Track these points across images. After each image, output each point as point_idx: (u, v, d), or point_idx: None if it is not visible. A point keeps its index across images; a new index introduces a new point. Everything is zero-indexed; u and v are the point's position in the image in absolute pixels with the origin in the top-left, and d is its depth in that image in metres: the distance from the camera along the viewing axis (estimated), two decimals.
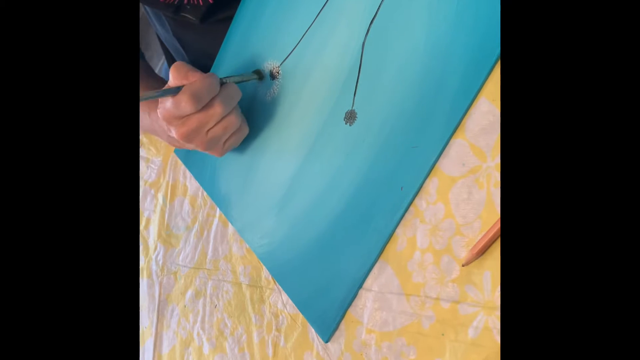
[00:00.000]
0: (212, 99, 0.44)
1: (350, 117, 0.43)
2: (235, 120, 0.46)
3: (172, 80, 0.45)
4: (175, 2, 0.61)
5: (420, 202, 0.39)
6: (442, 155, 0.38)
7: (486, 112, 0.36)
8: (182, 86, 0.43)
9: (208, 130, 0.45)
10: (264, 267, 0.50)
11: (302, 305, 0.45)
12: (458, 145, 0.37)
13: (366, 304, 0.41)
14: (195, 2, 0.62)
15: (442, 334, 0.36)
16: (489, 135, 0.35)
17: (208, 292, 0.56)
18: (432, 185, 0.38)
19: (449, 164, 0.37)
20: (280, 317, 0.48)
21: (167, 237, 0.63)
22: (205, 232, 0.58)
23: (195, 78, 0.43)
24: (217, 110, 0.44)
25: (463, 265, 0.35)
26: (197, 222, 0.59)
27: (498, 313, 0.33)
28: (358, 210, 0.42)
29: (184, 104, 0.42)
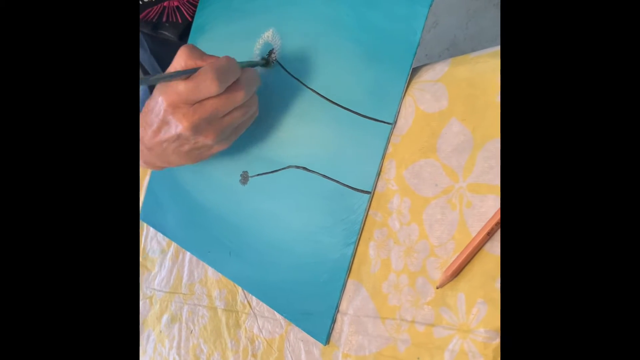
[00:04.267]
0: (235, 83, 0.39)
1: None
2: (254, 105, 0.42)
3: (184, 62, 0.39)
4: (154, 20, 0.61)
5: (394, 223, 0.38)
6: (415, 175, 0.37)
7: (457, 133, 0.36)
8: (199, 67, 0.38)
9: (223, 117, 0.40)
10: (239, 291, 0.49)
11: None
12: (430, 166, 0.37)
13: (342, 327, 0.40)
14: (174, 20, 0.62)
15: (418, 358, 0.35)
16: (460, 155, 0.35)
17: (184, 316, 0.55)
18: (405, 205, 0.38)
19: (421, 185, 0.37)
20: (256, 342, 0.47)
21: (143, 260, 0.62)
22: (181, 256, 0.56)
23: (213, 59, 0.39)
24: (239, 95, 0.39)
25: (437, 288, 0.35)
26: (172, 245, 0.58)
27: (473, 336, 0.33)
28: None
29: (209, 82, 0.36)
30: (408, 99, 0.39)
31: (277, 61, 0.47)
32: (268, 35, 0.48)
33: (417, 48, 0.38)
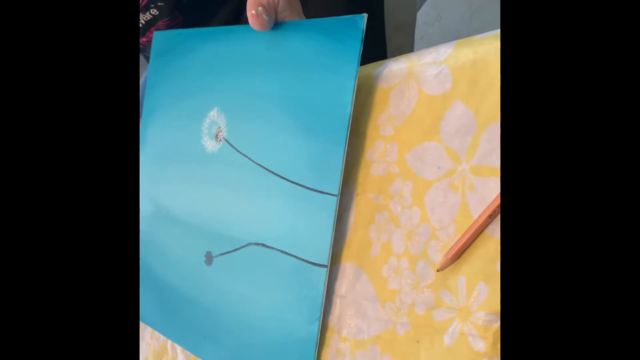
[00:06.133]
0: None
1: None
2: None
3: None
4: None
5: (395, 207, 0.38)
6: (417, 158, 0.37)
7: (460, 115, 0.35)
8: None
9: None
10: None
11: None
12: (433, 149, 0.36)
13: (341, 311, 0.40)
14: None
15: (417, 341, 0.35)
16: (463, 137, 0.35)
17: None
18: (406, 189, 0.37)
19: (424, 167, 0.37)
20: None
21: None
22: None
23: None
24: None
25: (438, 270, 0.34)
26: None
27: (473, 319, 0.32)
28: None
29: None
30: (411, 82, 0.38)
31: (225, 139, 0.47)
32: (213, 114, 0.48)
33: (349, 120, 0.38)
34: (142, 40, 0.64)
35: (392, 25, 0.73)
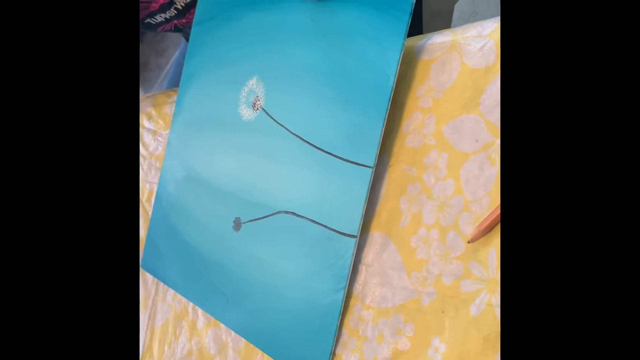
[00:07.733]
0: None
1: None
2: None
3: None
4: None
5: (429, 178, 0.38)
6: (455, 130, 0.37)
7: None
8: None
9: None
10: None
11: None
12: (472, 121, 0.36)
13: (366, 279, 0.40)
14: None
15: (442, 311, 0.35)
16: None
17: None
18: (442, 161, 0.37)
19: (461, 140, 0.37)
20: None
21: None
22: None
23: None
24: None
25: (469, 242, 0.34)
26: None
27: None
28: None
29: None
30: (454, 54, 0.38)
31: (263, 108, 0.47)
32: (252, 83, 0.49)
33: (391, 93, 0.38)
34: (182, 21, 0.65)
35: (430, 12, 0.72)
